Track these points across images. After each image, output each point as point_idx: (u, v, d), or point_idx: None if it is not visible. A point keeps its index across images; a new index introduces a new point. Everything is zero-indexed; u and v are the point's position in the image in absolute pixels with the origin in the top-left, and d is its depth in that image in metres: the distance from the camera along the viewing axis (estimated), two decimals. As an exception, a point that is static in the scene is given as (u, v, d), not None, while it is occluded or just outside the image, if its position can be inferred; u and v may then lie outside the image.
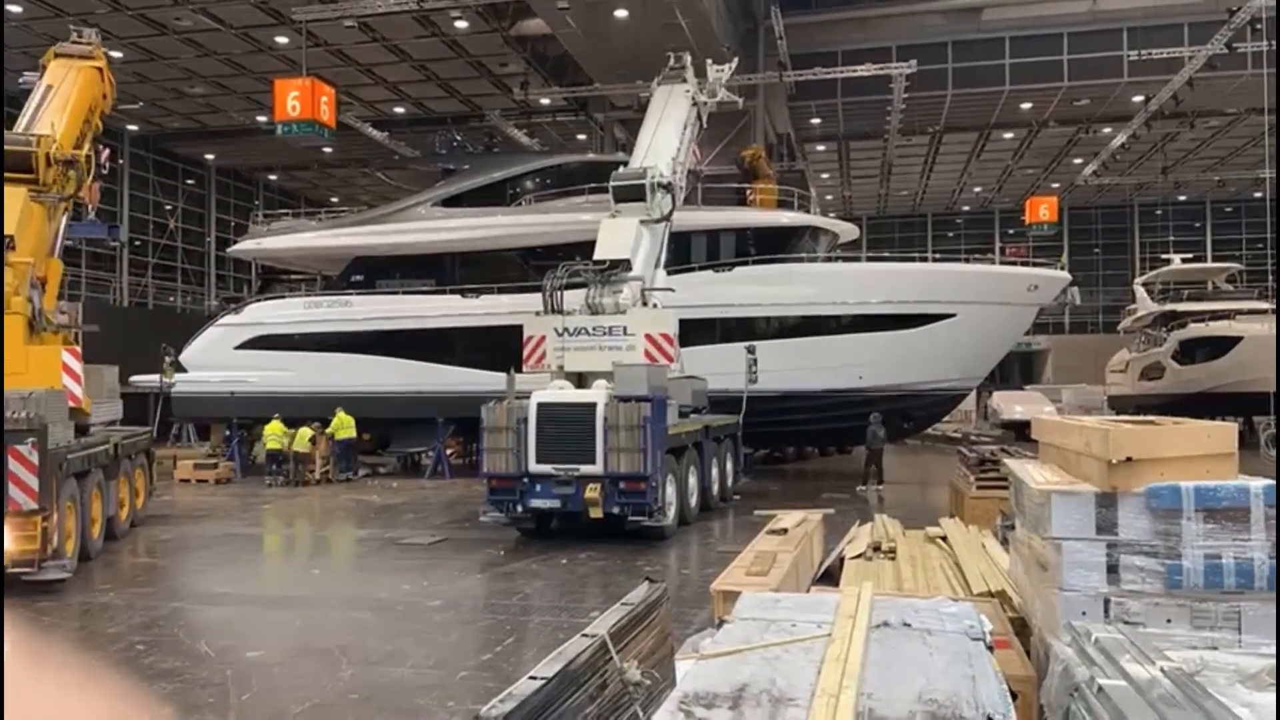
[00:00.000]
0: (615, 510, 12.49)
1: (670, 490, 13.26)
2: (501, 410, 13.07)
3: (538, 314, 15.06)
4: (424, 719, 5.98)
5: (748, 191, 23.67)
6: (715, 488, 15.89)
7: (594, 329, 14.44)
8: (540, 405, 13.00)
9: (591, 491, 12.43)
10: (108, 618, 8.68)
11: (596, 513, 12.47)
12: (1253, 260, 47.03)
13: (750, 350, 18.90)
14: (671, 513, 13.20)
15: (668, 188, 16.28)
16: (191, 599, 9.87)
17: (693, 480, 14.47)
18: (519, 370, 14.53)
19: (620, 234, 15.59)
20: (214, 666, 7.12)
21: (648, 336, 14.30)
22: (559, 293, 15.04)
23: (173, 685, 6.62)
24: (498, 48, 27.52)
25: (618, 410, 12.63)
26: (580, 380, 14.22)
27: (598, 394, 13.13)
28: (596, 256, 15.33)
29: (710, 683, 3.19)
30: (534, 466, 12.78)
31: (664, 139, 17.65)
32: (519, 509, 12.93)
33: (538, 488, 12.77)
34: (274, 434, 20.51)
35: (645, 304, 15.15)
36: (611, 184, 16.33)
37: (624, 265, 15.15)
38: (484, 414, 13.18)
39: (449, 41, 27.41)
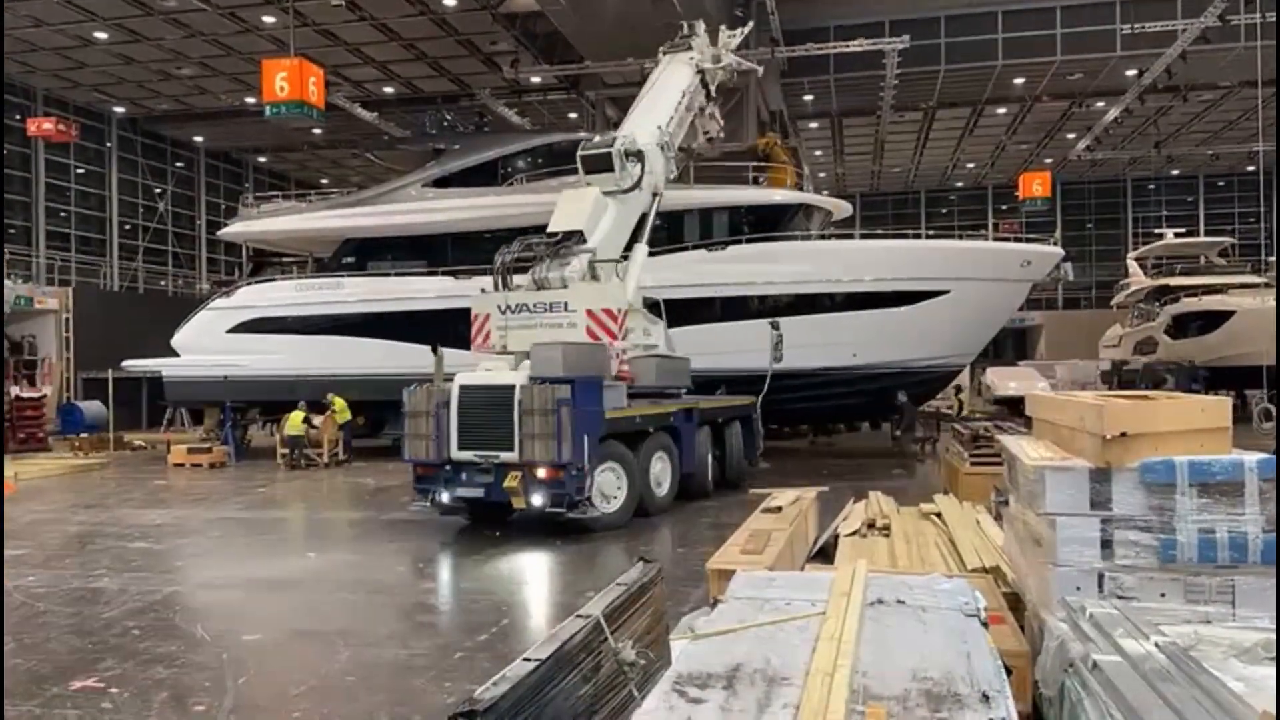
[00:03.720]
0: (535, 501, 11.67)
1: (615, 479, 12.35)
2: (422, 394, 12.42)
3: (483, 291, 14.40)
4: (420, 700, 5.98)
5: (755, 174, 23.43)
6: (710, 473, 15.12)
7: (535, 306, 13.68)
8: (462, 388, 12.26)
9: (511, 480, 11.62)
10: (103, 602, 8.67)
11: (519, 503, 11.74)
12: (1245, 234, 47.06)
13: (775, 325, 18.10)
14: (615, 505, 12.31)
15: (638, 155, 15.30)
16: (186, 583, 9.86)
17: (661, 467, 13.50)
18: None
19: (576, 204, 14.85)
20: (210, 650, 7.12)
21: (589, 313, 13.44)
22: (510, 268, 14.28)
23: (169, 670, 6.61)
24: (487, 25, 27.29)
25: (532, 393, 11.71)
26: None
27: (518, 375, 12.31)
28: (550, 228, 14.65)
29: (704, 662, 3.19)
30: (456, 453, 12.10)
31: (653, 105, 16.95)
32: (444, 498, 12.28)
33: (462, 475, 12.10)
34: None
35: (596, 277, 14.21)
36: (579, 154, 15.57)
37: (576, 237, 14.35)
38: (405, 397, 12.57)
39: (437, 19, 27.17)
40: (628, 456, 12.66)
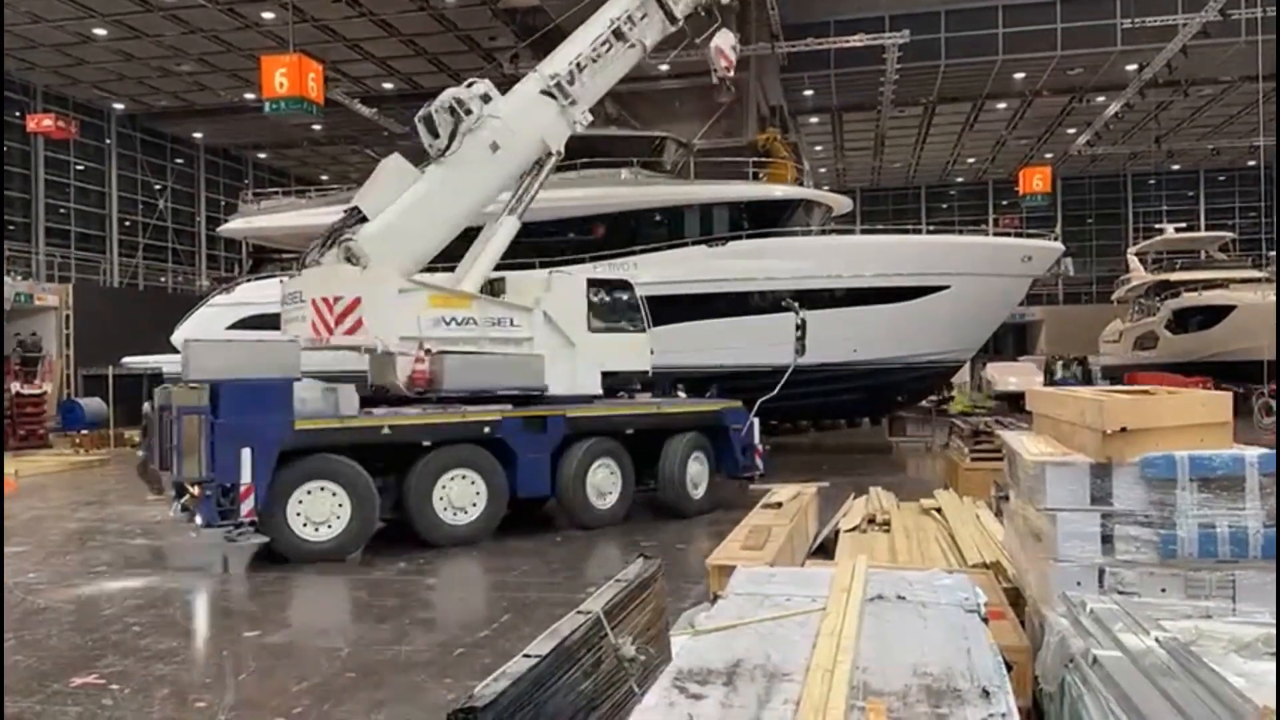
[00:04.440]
0: (199, 520, 9.87)
1: (333, 502, 10.23)
2: (157, 396, 10.90)
3: (281, 281, 13.31)
4: (421, 696, 5.98)
5: (755, 170, 23.39)
6: (604, 499, 12.18)
7: (290, 295, 12.34)
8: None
9: (191, 498, 9.90)
10: (103, 599, 8.67)
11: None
12: (1246, 229, 47.09)
13: (796, 310, 16.51)
14: (329, 533, 10.16)
15: (453, 111, 12.76)
16: (187, 579, 9.86)
17: (461, 489, 11.09)
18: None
19: (376, 177, 13.07)
20: (211, 646, 7.13)
21: (313, 302, 11.82)
22: (316, 253, 12.67)
23: (170, 666, 6.62)
24: (486, 21, 27.28)
25: (170, 398, 9.92)
26: None
27: None
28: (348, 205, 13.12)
29: (704, 659, 3.19)
30: None
31: (567, 44, 14.11)
32: (177, 507, 10.76)
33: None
34: None
35: (355, 261, 12.08)
36: (416, 117, 13.47)
37: (355, 215, 12.55)
38: (156, 397, 11.05)
39: (436, 15, 27.16)
40: (351, 475, 10.33)
